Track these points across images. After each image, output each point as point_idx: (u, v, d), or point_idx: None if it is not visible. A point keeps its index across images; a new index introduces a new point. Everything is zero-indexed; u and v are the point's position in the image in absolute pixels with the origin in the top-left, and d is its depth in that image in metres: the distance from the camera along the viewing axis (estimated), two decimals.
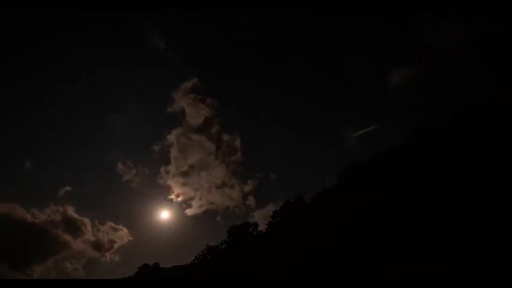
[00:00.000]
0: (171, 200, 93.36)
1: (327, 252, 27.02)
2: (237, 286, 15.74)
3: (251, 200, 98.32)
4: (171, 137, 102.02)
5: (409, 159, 31.50)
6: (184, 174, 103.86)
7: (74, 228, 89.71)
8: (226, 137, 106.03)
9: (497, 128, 26.10)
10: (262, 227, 48.32)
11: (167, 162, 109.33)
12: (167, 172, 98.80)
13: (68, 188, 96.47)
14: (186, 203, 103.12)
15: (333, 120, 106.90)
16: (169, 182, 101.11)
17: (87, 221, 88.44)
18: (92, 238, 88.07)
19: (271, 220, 46.28)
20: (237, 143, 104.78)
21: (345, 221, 29.45)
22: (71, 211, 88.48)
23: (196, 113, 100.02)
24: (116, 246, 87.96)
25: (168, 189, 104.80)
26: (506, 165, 22.31)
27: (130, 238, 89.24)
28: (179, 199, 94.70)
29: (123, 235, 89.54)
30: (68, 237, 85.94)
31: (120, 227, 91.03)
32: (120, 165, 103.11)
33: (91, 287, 15.59)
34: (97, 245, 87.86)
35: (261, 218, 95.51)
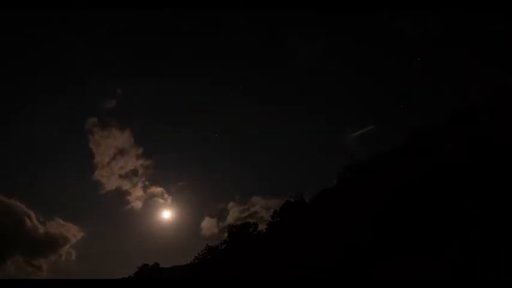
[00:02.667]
0: (105, 195, 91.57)
1: (327, 252, 27.04)
2: (237, 286, 15.77)
3: None
4: (89, 127, 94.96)
5: (409, 159, 31.52)
6: (111, 166, 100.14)
7: (20, 221, 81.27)
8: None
9: (497, 128, 26.12)
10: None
11: (92, 156, 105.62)
12: (95, 166, 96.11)
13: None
14: (122, 198, 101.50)
15: (333, 120, 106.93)
16: (99, 176, 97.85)
17: (32, 213, 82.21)
18: (43, 232, 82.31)
19: (271, 220, 46.37)
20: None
21: (345, 221, 29.46)
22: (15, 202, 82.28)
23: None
24: (69, 242, 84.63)
25: (99, 184, 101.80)
26: (506, 165, 22.33)
27: (83, 234, 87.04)
28: (114, 194, 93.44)
29: (73, 231, 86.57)
30: (16, 231, 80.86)
31: (68, 223, 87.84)
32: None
33: (91, 287, 15.61)
34: (51, 241, 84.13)
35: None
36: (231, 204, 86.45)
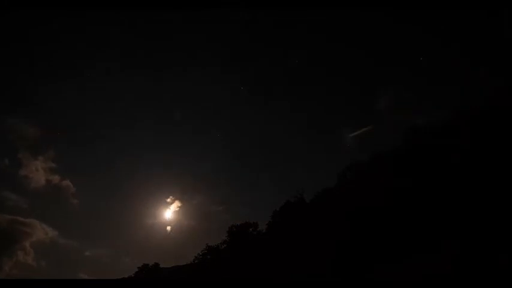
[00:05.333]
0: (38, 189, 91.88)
1: (327, 252, 27.05)
2: (237, 286, 15.78)
3: None
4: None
5: (409, 159, 31.50)
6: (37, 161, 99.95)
7: None
8: None
9: (497, 128, 26.10)
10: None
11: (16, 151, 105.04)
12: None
13: None
14: (56, 192, 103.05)
15: (334, 120, 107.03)
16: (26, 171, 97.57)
17: None
18: None
19: (271, 220, 46.31)
20: None
21: (345, 221, 29.46)
22: None
23: None
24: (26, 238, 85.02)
25: (28, 179, 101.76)
26: (506, 165, 22.33)
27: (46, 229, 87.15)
28: (46, 189, 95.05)
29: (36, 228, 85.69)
30: None
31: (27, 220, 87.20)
32: None
33: (91, 287, 15.63)
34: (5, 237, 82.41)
35: None
36: (170, 198, 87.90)
